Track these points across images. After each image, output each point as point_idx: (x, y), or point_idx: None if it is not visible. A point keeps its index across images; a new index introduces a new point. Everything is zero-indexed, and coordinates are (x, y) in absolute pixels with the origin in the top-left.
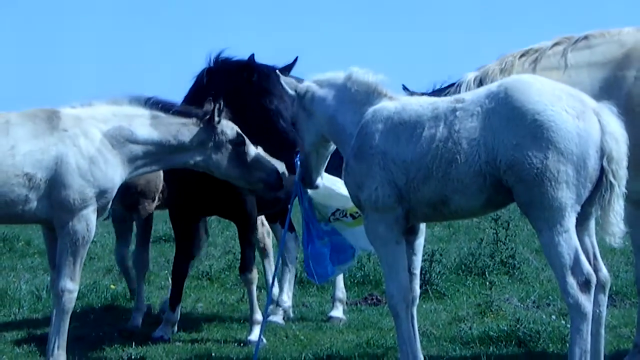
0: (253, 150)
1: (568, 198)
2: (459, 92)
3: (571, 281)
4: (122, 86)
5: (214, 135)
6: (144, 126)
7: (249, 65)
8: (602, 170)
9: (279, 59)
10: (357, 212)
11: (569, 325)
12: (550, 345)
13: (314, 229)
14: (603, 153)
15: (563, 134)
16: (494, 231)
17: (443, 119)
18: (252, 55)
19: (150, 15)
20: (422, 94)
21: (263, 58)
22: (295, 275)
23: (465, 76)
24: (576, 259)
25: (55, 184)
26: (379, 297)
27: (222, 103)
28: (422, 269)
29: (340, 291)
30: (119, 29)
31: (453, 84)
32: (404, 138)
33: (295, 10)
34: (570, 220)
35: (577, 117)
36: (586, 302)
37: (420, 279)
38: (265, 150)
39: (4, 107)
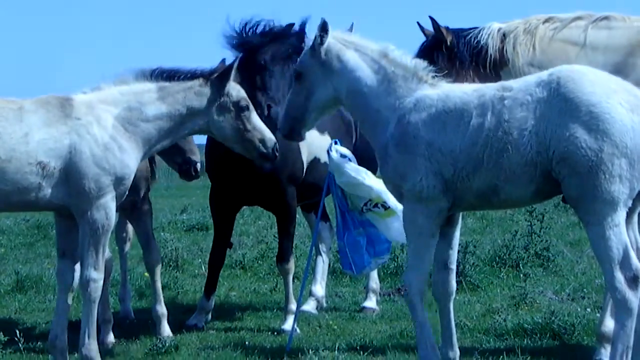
0: (255, 117)
1: (621, 192)
2: (481, 36)
3: (619, 276)
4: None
5: (220, 96)
6: (152, 101)
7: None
8: None
9: None
10: (385, 202)
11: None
12: (585, 338)
13: (350, 218)
14: None
15: (619, 127)
16: (528, 223)
17: (490, 107)
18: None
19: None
20: (446, 28)
21: None
22: (329, 266)
23: (490, 24)
24: (625, 254)
25: (70, 173)
26: None
27: (233, 63)
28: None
29: (374, 282)
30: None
31: (475, 28)
32: (450, 127)
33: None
34: (621, 215)
35: (632, 111)
36: (633, 298)
37: None
38: None
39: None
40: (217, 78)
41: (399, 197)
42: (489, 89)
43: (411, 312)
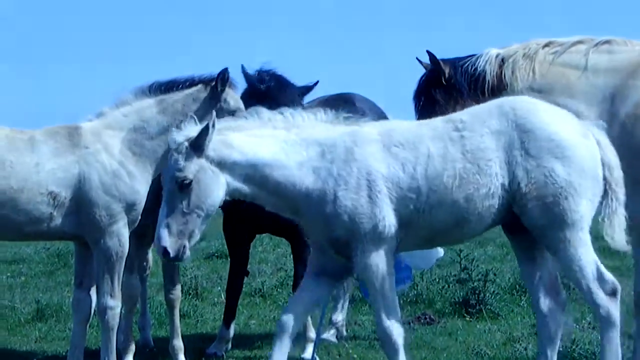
0: None
1: (587, 212)
2: (479, 63)
3: (599, 292)
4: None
5: (217, 102)
6: (154, 116)
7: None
8: (605, 182)
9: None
10: None
11: (625, 347)
12: None
13: None
14: (603, 165)
15: (579, 152)
16: None
17: (448, 138)
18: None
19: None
20: (443, 60)
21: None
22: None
23: (488, 50)
24: (598, 270)
25: (80, 202)
26: (432, 316)
27: (227, 72)
28: (476, 289)
29: None
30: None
31: (473, 55)
32: (407, 161)
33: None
34: (587, 234)
35: (584, 136)
36: (615, 311)
37: (474, 299)
38: None
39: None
40: (215, 84)
41: (354, 243)
42: (436, 122)
43: (393, 357)
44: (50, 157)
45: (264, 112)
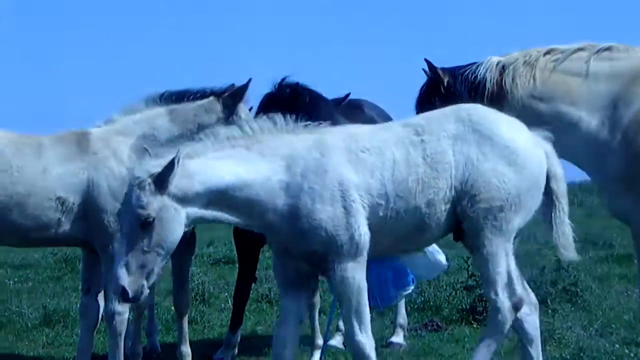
0: None
1: (519, 225)
2: (479, 71)
3: (506, 301)
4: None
5: (229, 115)
6: (164, 125)
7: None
8: (550, 192)
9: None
10: None
11: (632, 354)
12: None
13: None
14: (550, 176)
15: (531, 163)
16: (557, 258)
17: (409, 143)
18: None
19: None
20: (443, 69)
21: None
22: None
23: (489, 59)
24: (510, 280)
25: (89, 207)
26: (439, 323)
27: (248, 85)
28: (483, 296)
29: (402, 317)
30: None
31: (474, 63)
32: (375, 167)
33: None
34: (511, 245)
35: (535, 146)
36: (509, 323)
37: (482, 306)
38: None
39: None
40: (229, 96)
41: (330, 256)
42: (395, 126)
43: None
44: (58, 162)
45: (221, 131)
